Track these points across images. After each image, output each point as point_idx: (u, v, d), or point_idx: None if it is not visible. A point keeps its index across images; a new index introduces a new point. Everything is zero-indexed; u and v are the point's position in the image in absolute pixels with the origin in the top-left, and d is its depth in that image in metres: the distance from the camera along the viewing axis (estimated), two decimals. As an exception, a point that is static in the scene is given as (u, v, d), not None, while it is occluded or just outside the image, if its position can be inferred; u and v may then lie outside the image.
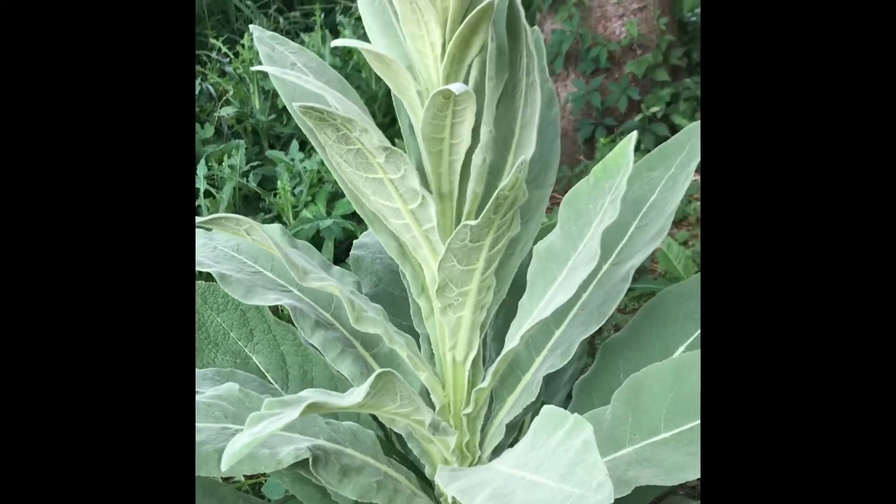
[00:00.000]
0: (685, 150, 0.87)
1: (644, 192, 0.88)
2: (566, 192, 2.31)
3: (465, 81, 0.73)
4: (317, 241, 1.96)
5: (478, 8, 0.63)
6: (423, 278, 0.82)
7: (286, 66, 0.79)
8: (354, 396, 0.65)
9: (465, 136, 0.71)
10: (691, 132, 0.87)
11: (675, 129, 2.23)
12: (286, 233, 1.00)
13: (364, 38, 0.76)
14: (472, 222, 0.65)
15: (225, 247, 0.97)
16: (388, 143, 0.67)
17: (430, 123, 0.68)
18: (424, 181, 0.77)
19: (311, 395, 0.67)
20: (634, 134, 0.67)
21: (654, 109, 2.18)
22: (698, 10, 2.48)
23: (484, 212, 0.63)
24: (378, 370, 0.65)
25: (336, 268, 1.01)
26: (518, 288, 0.84)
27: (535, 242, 0.83)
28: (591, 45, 2.21)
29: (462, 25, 0.64)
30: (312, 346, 0.93)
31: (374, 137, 0.64)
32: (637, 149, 2.15)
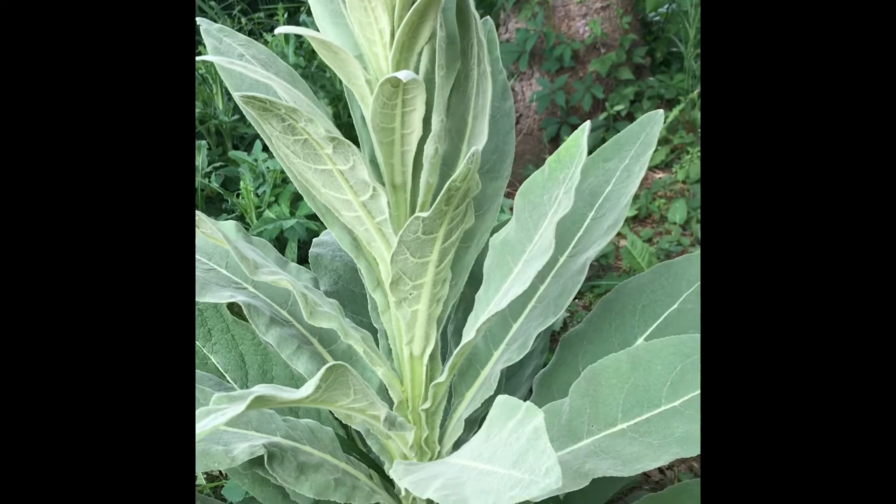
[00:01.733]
0: (640, 140, 0.87)
1: (599, 183, 0.87)
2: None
3: (416, 70, 0.72)
4: (280, 241, 1.94)
5: (425, -6, 0.62)
6: (378, 272, 0.81)
7: (234, 57, 0.78)
8: (304, 390, 0.64)
9: (416, 126, 0.70)
10: (646, 122, 0.87)
11: (639, 127, 2.25)
12: (241, 229, 0.99)
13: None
14: (424, 214, 0.64)
15: (178, 244, 0.95)
16: (335, 133, 0.66)
17: (380, 113, 0.67)
18: (377, 172, 0.76)
19: (260, 389, 0.66)
20: (588, 124, 0.67)
21: (619, 108, 2.19)
22: (662, 9, 2.50)
23: (436, 203, 0.63)
24: (329, 364, 0.64)
25: (292, 264, 0.99)
26: (477, 281, 0.84)
27: (491, 234, 0.83)
28: (555, 44, 2.21)
29: (410, 12, 0.63)
30: (269, 343, 0.92)
31: (321, 127, 0.63)
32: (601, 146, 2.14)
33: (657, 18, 2.54)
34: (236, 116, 2.26)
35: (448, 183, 0.62)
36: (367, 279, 0.83)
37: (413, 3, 0.66)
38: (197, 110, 2.24)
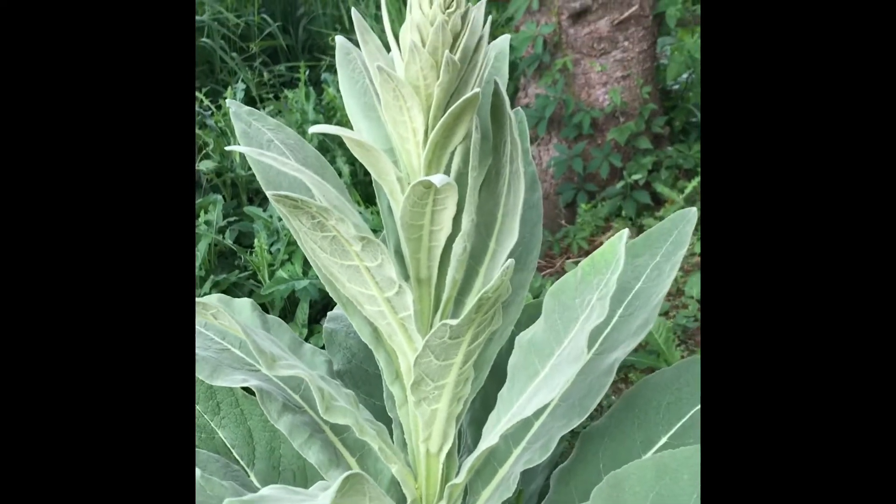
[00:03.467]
0: (671, 238, 0.85)
1: (628, 279, 0.85)
2: (546, 257, 2.28)
3: (448, 168, 0.70)
4: (292, 301, 1.92)
5: (463, 98, 0.61)
6: (397, 365, 0.79)
7: (262, 142, 0.77)
8: (320, 501, 0.61)
9: (446, 224, 0.68)
10: (678, 220, 0.85)
11: (656, 197, 2.23)
12: (255, 308, 0.97)
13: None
14: (452, 322, 0.62)
15: (192, 321, 0.93)
16: (365, 232, 0.64)
17: (410, 211, 0.66)
18: (402, 264, 0.74)
19: (272, 492, 0.63)
20: (626, 232, 0.65)
21: (636, 177, 2.18)
22: (682, 78, 2.51)
23: (466, 313, 0.60)
24: (346, 473, 0.61)
25: (307, 346, 0.97)
26: (497, 373, 0.81)
27: (517, 328, 0.80)
28: (575, 111, 2.21)
29: (446, 115, 0.62)
30: (280, 430, 0.89)
31: (351, 227, 0.62)
32: (618, 215, 2.13)
33: (676, 87, 2.54)
34: (252, 170, 2.26)
35: (480, 294, 0.60)
36: (385, 371, 0.80)
37: (448, 104, 0.65)
38: (214, 163, 2.24)
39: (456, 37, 0.62)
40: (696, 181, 2.12)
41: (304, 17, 3.28)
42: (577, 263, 2.16)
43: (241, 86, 2.51)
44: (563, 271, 2.11)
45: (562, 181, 2.28)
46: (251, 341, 0.70)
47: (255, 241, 1.89)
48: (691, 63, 2.24)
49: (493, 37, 2.48)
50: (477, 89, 0.60)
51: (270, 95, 2.77)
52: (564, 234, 2.18)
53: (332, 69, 2.84)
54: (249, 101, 2.82)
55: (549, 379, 0.70)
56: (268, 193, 0.60)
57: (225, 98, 2.40)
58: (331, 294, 0.75)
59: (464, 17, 0.62)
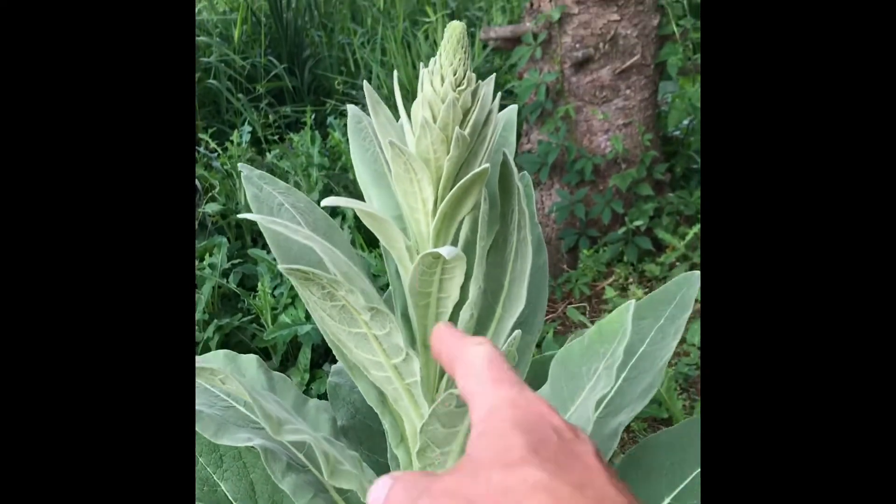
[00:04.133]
0: (675, 301, 0.85)
1: (633, 342, 0.85)
2: (549, 300, 2.27)
3: (456, 237, 0.71)
4: (295, 345, 1.92)
5: (473, 173, 0.62)
6: (402, 429, 0.79)
7: (273, 206, 0.78)
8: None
9: (454, 292, 0.69)
10: (682, 283, 0.86)
11: (658, 243, 2.24)
12: (262, 364, 0.97)
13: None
14: (458, 391, 0.62)
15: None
16: (374, 301, 0.65)
17: (419, 280, 0.66)
18: (409, 329, 0.75)
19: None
20: (632, 303, 0.66)
21: (638, 223, 2.20)
22: (683, 124, 2.54)
23: (471, 381, 0.61)
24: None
25: (312, 402, 0.97)
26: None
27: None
28: (577, 158, 2.24)
29: (456, 188, 0.63)
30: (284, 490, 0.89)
31: (360, 297, 0.62)
32: (619, 261, 2.14)
33: (677, 134, 2.57)
34: (257, 212, 2.27)
35: (487, 365, 0.60)
36: (390, 434, 0.80)
37: (457, 176, 0.66)
38: (219, 206, 2.26)
39: (466, 113, 0.63)
40: (697, 227, 2.14)
41: (310, 59, 3.32)
42: (578, 309, 2.16)
43: (246, 128, 2.54)
44: (564, 317, 2.11)
45: (564, 226, 2.29)
46: (258, 406, 0.70)
47: (259, 284, 1.90)
48: (692, 110, 2.27)
49: (497, 84, 2.51)
50: (486, 164, 0.62)
51: (276, 137, 2.80)
52: (566, 279, 2.19)
53: (336, 112, 2.87)
54: (255, 141, 2.86)
55: (554, 446, 0.70)
56: (280, 267, 0.61)
57: (231, 140, 2.43)
58: (336, 357, 0.76)
59: (474, 93, 0.63)
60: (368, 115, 0.72)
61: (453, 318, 0.73)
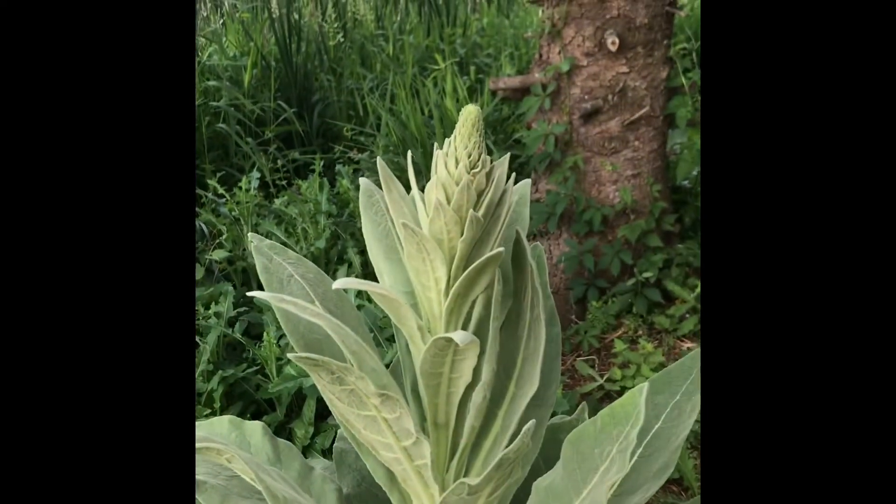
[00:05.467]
0: (691, 377, 0.83)
1: (648, 418, 0.83)
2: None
3: (469, 315, 0.70)
4: (299, 396, 1.89)
5: (487, 255, 0.61)
6: (411, 508, 0.76)
7: (283, 277, 0.77)
8: None
9: (466, 373, 0.67)
10: (696, 358, 0.84)
11: (667, 295, 2.22)
12: (267, 431, 0.95)
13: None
14: (472, 481, 0.60)
15: (201, 446, 0.91)
16: (384, 384, 0.63)
17: (430, 361, 0.65)
18: (419, 405, 0.73)
19: None
20: (646, 386, 0.64)
21: (647, 274, 2.18)
22: (692, 175, 2.54)
23: (486, 472, 0.59)
24: None
25: (317, 472, 0.95)
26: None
27: (532, 473, 0.78)
28: (585, 208, 2.23)
29: (469, 269, 0.62)
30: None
31: (370, 384, 0.61)
32: (629, 312, 2.11)
33: (686, 184, 2.57)
34: (264, 259, 2.26)
35: (501, 456, 0.59)
36: (399, 513, 0.78)
37: (470, 256, 0.65)
38: (226, 252, 2.25)
39: (480, 194, 0.62)
40: (707, 280, 2.12)
41: (319, 104, 3.35)
42: (587, 362, 2.13)
43: (255, 173, 2.55)
44: (573, 370, 2.08)
45: (572, 276, 2.28)
46: (263, 486, 0.68)
47: (265, 334, 1.88)
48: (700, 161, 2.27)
49: (506, 134, 2.51)
50: (500, 248, 0.61)
51: (284, 182, 2.81)
52: (575, 331, 2.17)
53: (345, 159, 2.88)
54: (263, 185, 2.86)
55: (568, 532, 0.68)
56: (290, 355, 0.60)
57: (240, 186, 2.43)
58: (346, 435, 0.74)
59: (488, 175, 0.62)
60: (380, 187, 0.71)
61: (465, 398, 0.71)
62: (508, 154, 0.67)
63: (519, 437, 0.58)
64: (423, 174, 2.49)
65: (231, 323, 2.01)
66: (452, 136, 0.62)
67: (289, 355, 0.60)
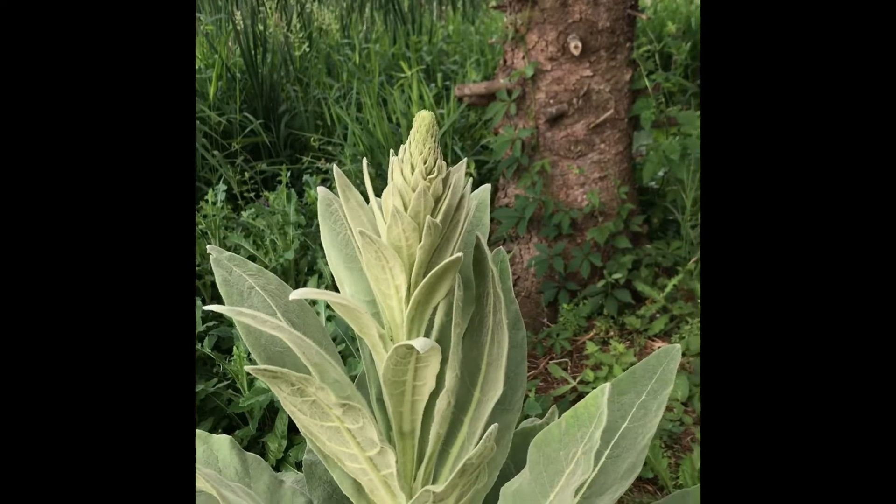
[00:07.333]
0: (656, 375, 0.84)
1: (615, 418, 0.84)
2: (529, 357, 2.26)
3: (431, 323, 0.69)
4: (272, 409, 1.88)
5: (446, 261, 0.61)
6: (380, 519, 0.76)
7: (244, 289, 0.76)
8: None
9: (430, 380, 0.67)
10: (662, 357, 0.85)
11: (637, 295, 2.24)
12: (235, 445, 0.94)
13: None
14: (436, 489, 0.60)
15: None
16: (346, 395, 0.62)
17: (393, 369, 0.65)
18: (384, 414, 0.73)
19: None
20: (608, 386, 0.64)
21: (617, 276, 2.19)
22: (658, 175, 2.56)
23: (450, 478, 0.59)
24: None
25: (287, 485, 0.94)
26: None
27: (500, 479, 0.78)
28: (554, 212, 2.24)
29: (429, 276, 0.62)
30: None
31: (331, 394, 0.60)
32: (600, 314, 2.12)
33: (653, 185, 2.59)
34: (233, 272, 2.24)
35: (465, 461, 0.58)
36: (368, 524, 0.77)
37: (430, 263, 0.65)
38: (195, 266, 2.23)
39: (437, 200, 0.62)
40: (676, 279, 2.14)
41: (286, 115, 3.33)
42: (560, 365, 2.14)
43: (222, 186, 2.52)
44: (546, 373, 2.09)
45: (543, 280, 2.28)
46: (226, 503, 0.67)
47: (234, 348, 1.86)
48: (666, 162, 2.29)
49: (472, 140, 2.51)
50: (459, 254, 0.60)
51: (252, 194, 2.79)
52: (547, 334, 2.18)
53: (313, 169, 2.87)
54: (231, 198, 2.84)
55: (536, 536, 0.68)
56: (247, 368, 0.59)
57: (206, 199, 2.41)
58: (310, 446, 0.73)
59: (445, 180, 0.62)
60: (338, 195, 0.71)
61: (429, 405, 0.71)
62: (465, 160, 0.67)
63: (482, 441, 0.58)
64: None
65: (200, 338, 1.99)
66: (407, 142, 0.61)
67: (247, 368, 0.59)
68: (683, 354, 2.08)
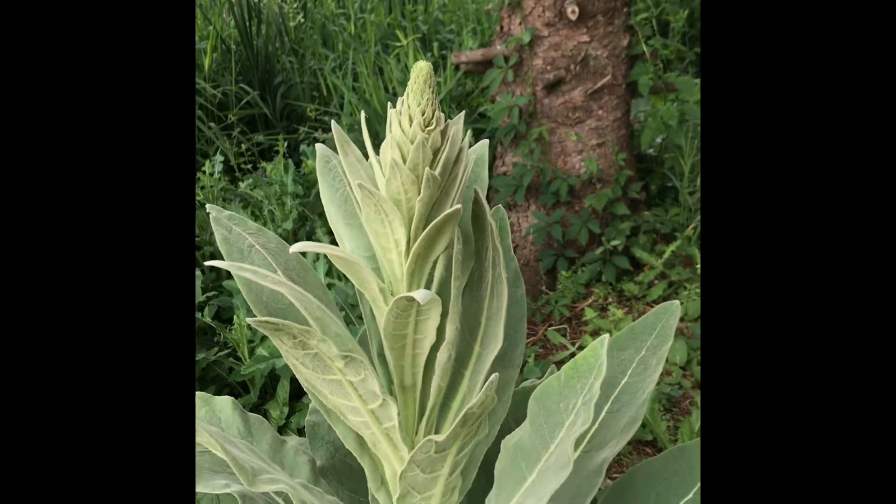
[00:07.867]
0: (655, 331, 0.84)
1: (614, 374, 0.84)
2: (528, 324, 2.26)
3: (430, 276, 0.70)
4: (273, 377, 1.89)
5: (445, 213, 0.61)
6: (382, 472, 0.77)
7: (244, 248, 0.76)
8: None
9: (430, 333, 0.68)
10: (661, 313, 0.85)
11: (635, 262, 2.24)
12: (237, 406, 0.95)
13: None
14: (438, 438, 0.60)
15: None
16: (347, 348, 0.63)
17: (394, 322, 0.65)
18: (385, 370, 0.73)
19: None
20: (606, 337, 0.65)
21: (615, 242, 2.20)
22: (656, 142, 2.55)
23: (451, 427, 0.59)
24: None
25: (290, 444, 0.95)
26: (484, 468, 0.79)
27: (501, 431, 0.79)
28: (552, 179, 2.24)
29: (428, 228, 0.62)
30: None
31: (333, 346, 0.61)
32: (598, 280, 2.13)
33: (651, 152, 2.58)
34: (232, 243, 2.24)
35: (465, 411, 0.59)
36: (370, 478, 0.78)
37: (429, 216, 0.65)
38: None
39: (436, 152, 0.62)
40: (674, 245, 2.14)
41: (282, 86, 3.31)
42: (558, 331, 2.15)
43: (219, 157, 2.52)
44: (545, 339, 2.10)
45: (541, 248, 2.29)
46: (230, 459, 0.68)
47: (235, 317, 1.86)
48: (664, 128, 2.28)
49: (470, 107, 2.50)
50: (458, 205, 0.61)
51: (249, 165, 2.78)
52: (545, 301, 2.18)
53: (310, 139, 2.86)
54: (228, 170, 2.83)
55: (536, 486, 0.69)
56: (248, 320, 0.59)
57: (203, 170, 2.40)
58: (313, 401, 0.74)
59: (443, 132, 0.62)
60: (337, 152, 0.71)
61: (430, 359, 0.72)
62: (463, 112, 0.67)
63: (482, 390, 0.59)
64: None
65: (200, 308, 2.00)
66: (405, 93, 0.61)
67: (248, 320, 0.60)
68: (682, 319, 2.09)
